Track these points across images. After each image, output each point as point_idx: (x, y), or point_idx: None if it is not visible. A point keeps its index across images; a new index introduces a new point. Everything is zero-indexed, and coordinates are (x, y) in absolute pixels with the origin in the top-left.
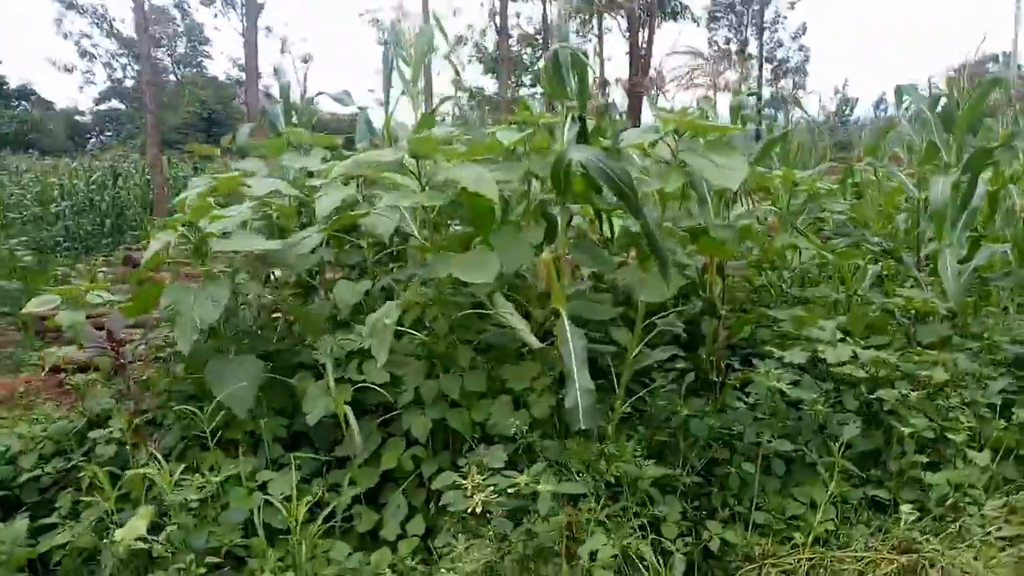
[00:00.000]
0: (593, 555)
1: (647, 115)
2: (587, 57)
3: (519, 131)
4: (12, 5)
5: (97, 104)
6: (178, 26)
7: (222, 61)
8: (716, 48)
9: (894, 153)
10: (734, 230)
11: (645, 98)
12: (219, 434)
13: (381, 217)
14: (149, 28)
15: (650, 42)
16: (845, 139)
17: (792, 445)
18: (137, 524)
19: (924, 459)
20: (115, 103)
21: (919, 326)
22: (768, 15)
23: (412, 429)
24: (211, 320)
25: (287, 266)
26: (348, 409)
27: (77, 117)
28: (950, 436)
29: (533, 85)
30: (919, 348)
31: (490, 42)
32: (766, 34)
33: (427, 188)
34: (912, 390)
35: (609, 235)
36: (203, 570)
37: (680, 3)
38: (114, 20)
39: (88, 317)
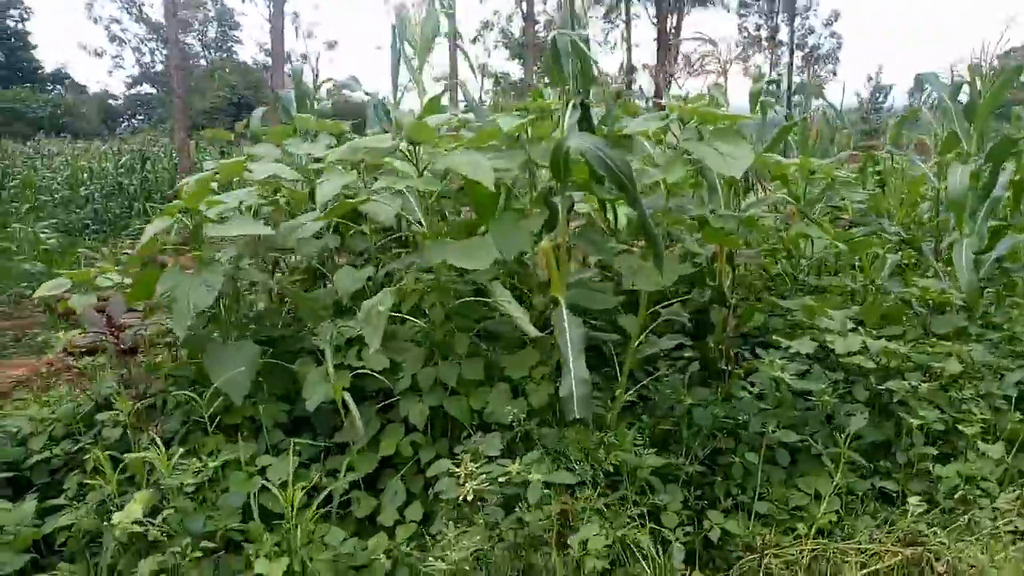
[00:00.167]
0: (584, 544)
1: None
2: (588, 44)
3: (521, 118)
4: None
5: (129, 88)
6: (209, 11)
7: (251, 46)
8: (746, 35)
9: (920, 141)
10: (736, 220)
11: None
12: (220, 419)
13: (381, 204)
14: (178, 13)
15: (678, 29)
16: (878, 127)
17: (798, 435)
18: (133, 508)
19: (934, 451)
20: (147, 87)
21: (934, 317)
22: (800, 1)
23: (409, 416)
24: (205, 305)
25: (287, 252)
26: (348, 395)
27: (110, 101)
28: (962, 428)
29: None
30: (934, 339)
31: (516, 28)
32: (797, 21)
33: (424, 174)
34: (924, 381)
35: (614, 224)
36: (199, 554)
37: None
38: (143, 5)
39: (103, 300)
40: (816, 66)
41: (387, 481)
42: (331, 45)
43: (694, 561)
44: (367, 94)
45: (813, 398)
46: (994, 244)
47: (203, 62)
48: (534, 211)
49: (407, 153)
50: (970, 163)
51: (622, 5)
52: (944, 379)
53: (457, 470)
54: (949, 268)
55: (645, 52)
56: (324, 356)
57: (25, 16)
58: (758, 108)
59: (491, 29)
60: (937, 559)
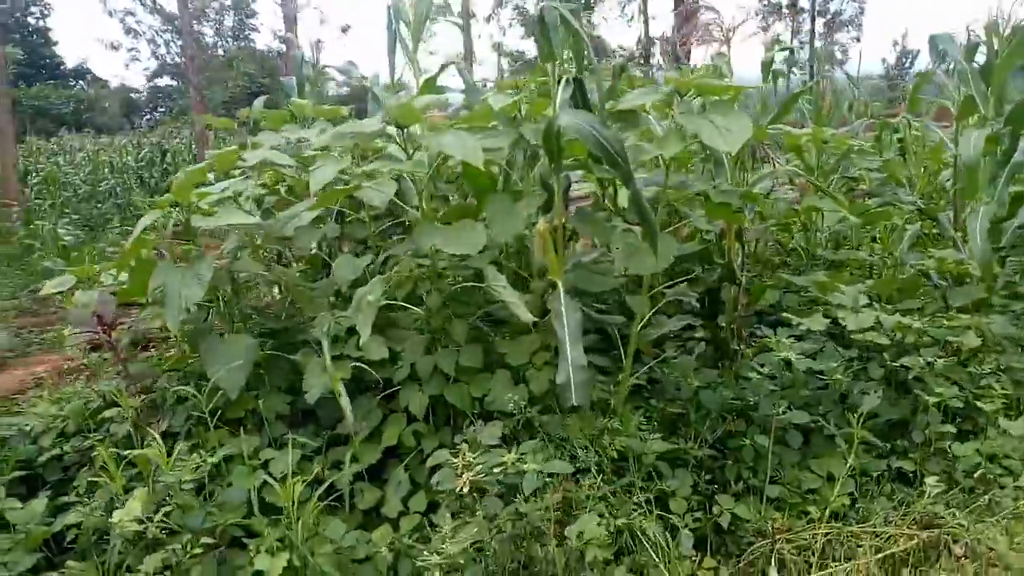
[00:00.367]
0: (581, 535)
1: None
2: (579, 16)
3: (514, 96)
4: None
5: (149, 81)
6: None
7: (268, 34)
8: (766, 3)
9: (942, 106)
10: (736, 195)
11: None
12: (223, 413)
13: (373, 190)
14: (192, 3)
15: None
16: (905, 93)
17: (810, 416)
18: (133, 506)
19: (953, 429)
20: (167, 80)
21: (952, 289)
22: None
23: (409, 405)
24: (196, 299)
25: (284, 241)
26: (342, 387)
27: (131, 95)
28: (981, 404)
29: None
30: (952, 312)
31: (531, 5)
32: None
33: (414, 157)
34: (941, 356)
35: (615, 203)
36: (199, 550)
37: None
38: None
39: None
40: (838, 32)
41: (391, 471)
42: (344, 30)
43: (705, 547)
44: (364, 78)
45: (826, 377)
46: (1016, 211)
47: (221, 52)
48: (530, 192)
49: (395, 136)
50: (987, 127)
51: None
52: (963, 354)
53: (455, 460)
54: (968, 238)
55: (664, 24)
56: (320, 347)
57: (45, 13)
58: (769, 77)
59: (505, 7)
60: (955, 542)
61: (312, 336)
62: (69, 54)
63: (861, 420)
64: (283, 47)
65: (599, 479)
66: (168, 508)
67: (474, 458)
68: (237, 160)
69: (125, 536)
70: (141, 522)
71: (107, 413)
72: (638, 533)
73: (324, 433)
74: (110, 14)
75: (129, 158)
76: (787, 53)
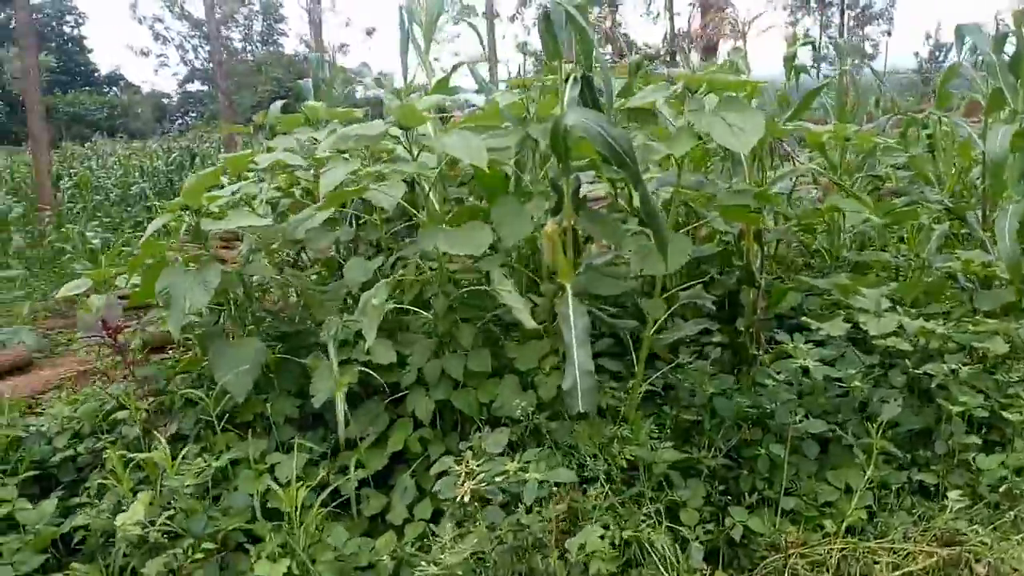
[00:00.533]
0: (583, 548)
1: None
2: (586, 12)
3: (520, 95)
4: None
5: (181, 86)
6: (253, 4)
7: (296, 38)
8: None
9: (973, 101)
10: (750, 196)
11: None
12: (234, 416)
13: (380, 192)
14: (218, 8)
15: None
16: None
17: (826, 425)
18: (137, 509)
19: (977, 440)
20: (198, 85)
21: (979, 292)
22: None
23: (416, 410)
24: (202, 304)
25: (299, 243)
26: (341, 396)
27: (163, 100)
28: (1008, 415)
29: (603, 45)
30: (978, 317)
31: None
32: None
33: (417, 158)
34: (966, 363)
35: (631, 204)
36: (200, 555)
37: None
38: (184, 2)
39: (123, 299)
40: (868, 26)
41: (398, 477)
42: (369, 33)
43: (716, 560)
44: (376, 80)
45: (845, 384)
46: None
47: (250, 57)
48: (536, 193)
49: (399, 138)
50: (1016, 122)
51: None
52: (989, 361)
53: (457, 468)
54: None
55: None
56: (326, 351)
57: (80, 21)
58: (791, 72)
59: (529, 6)
60: (977, 560)
61: (323, 339)
62: (103, 61)
63: (881, 430)
64: (313, 52)
65: (607, 488)
66: (171, 512)
67: (477, 466)
68: (249, 163)
69: (129, 539)
70: (144, 526)
71: (119, 415)
72: (646, 545)
73: (332, 437)
74: (139, 21)
75: (159, 162)
76: (810, 47)
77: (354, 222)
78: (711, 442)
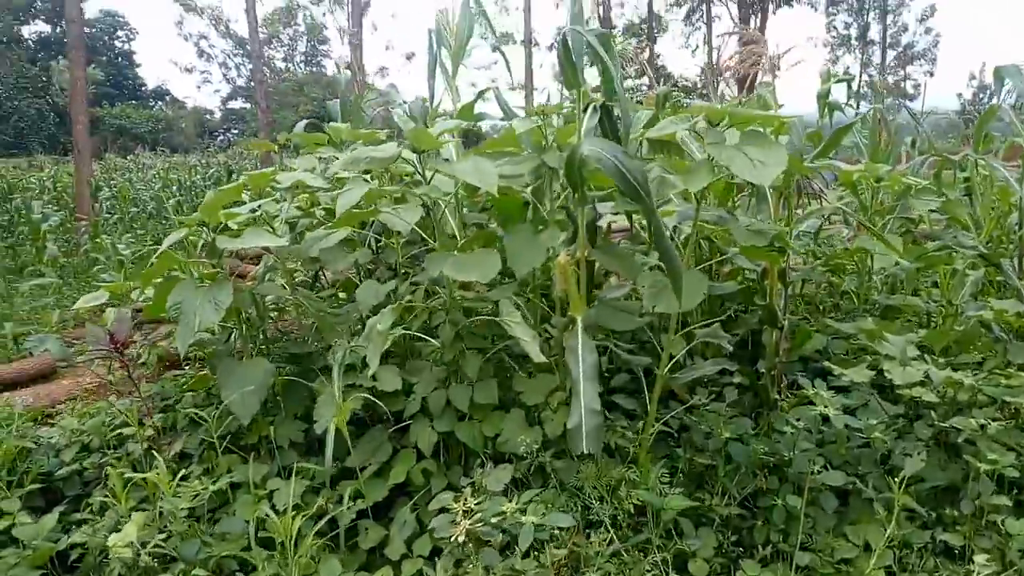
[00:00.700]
0: None
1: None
2: (608, 42)
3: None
4: (147, 10)
5: (224, 103)
6: (298, 25)
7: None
8: (835, 34)
9: (1014, 143)
10: (768, 236)
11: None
12: (240, 438)
13: (395, 215)
14: (261, 29)
15: (762, 29)
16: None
17: (845, 477)
18: (129, 530)
19: (1008, 501)
20: (241, 102)
21: (1014, 344)
22: None
23: (418, 442)
24: (211, 322)
25: (313, 263)
26: (332, 425)
27: (207, 116)
28: None
29: (638, 76)
30: (1011, 370)
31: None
32: (890, 17)
33: (431, 182)
34: (997, 419)
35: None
36: None
37: None
38: (229, 21)
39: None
40: (910, 65)
41: (399, 509)
42: (409, 57)
43: None
44: (404, 103)
45: (866, 435)
46: None
47: (293, 76)
48: (551, 223)
49: (411, 162)
50: None
51: (703, 7)
52: (1022, 417)
53: (455, 506)
54: None
55: (727, 54)
56: (329, 376)
57: (131, 36)
58: (824, 110)
59: None
60: None
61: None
62: (150, 75)
63: (904, 484)
64: (357, 72)
65: (613, 534)
66: (166, 535)
67: (476, 504)
68: (270, 182)
69: (123, 560)
70: (136, 548)
71: (126, 431)
72: None
73: (335, 463)
74: (185, 38)
75: (197, 177)
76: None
77: (374, 244)
78: (725, 489)
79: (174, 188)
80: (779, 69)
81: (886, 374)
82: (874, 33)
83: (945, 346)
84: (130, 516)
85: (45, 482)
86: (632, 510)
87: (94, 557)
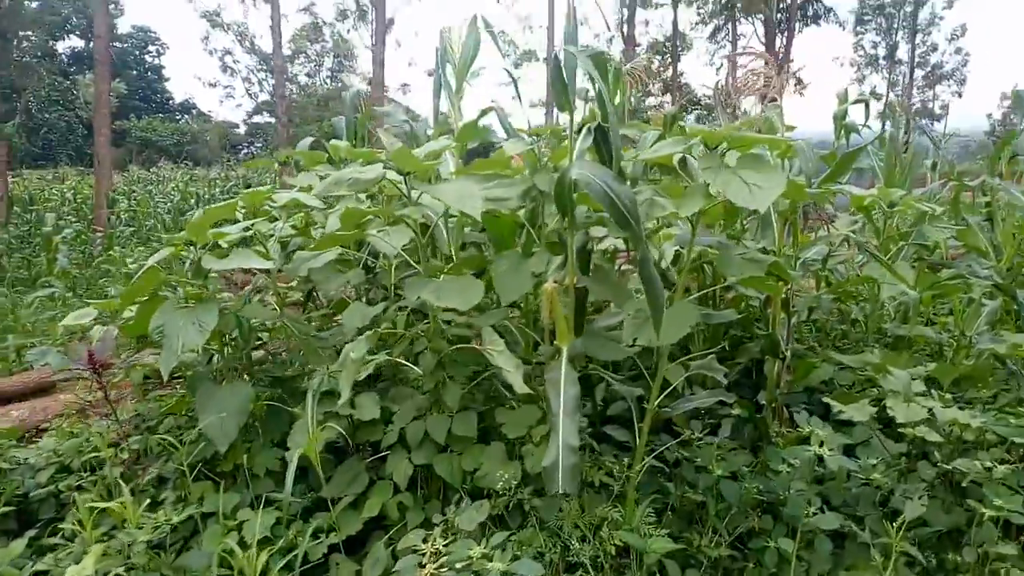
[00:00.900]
0: None
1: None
2: (605, 62)
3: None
4: (178, 25)
5: (250, 117)
6: (326, 42)
7: (359, 77)
8: (862, 53)
9: None
10: (760, 264)
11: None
12: (216, 464)
13: (378, 237)
14: (287, 44)
15: (788, 48)
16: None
17: (839, 521)
18: (87, 562)
19: (1013, 551)
20: (266, 117)
21: None
22: (922, 16)
23: (394, 474)
24: (195, 345)
25: (305, 283)
26: (297, 454)
27: (232, 129)
28: None
29: (663, 94)
30: (1021, 409)
31: (616, 51)
32: (918, 37)
33: (418, 203)
34: (1006, 459)
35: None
36: None
37: (824, 6)
38: (254, 37)
39: None
40: (938, 85)
41: (373, 544)
42: (430, 73)
43: None
44: (408, 121)
45: (864, 476)
46: None
47: (319, 92)
48: (541, 248)
49: (396, 184)
50: None
51: (729, 25)
52: None
53: (423, 547)
54: None
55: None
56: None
57: (161, 51)
58: (841, 131)
59: None
60: None
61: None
62: (177, 89)
63: (903, 529)
64: (386, 90)
65: None
66: (124, 568)
67: (444, 546)
68: (266, 200)
69: None
70: None
71: (104, 453)
72: None
73: (311, 494)
74: (210, 53)
75: (217, 190)
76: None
77: (369, 264)
78: (716, 528)
79: (192, 201)
80: (802, 88)
81: (888, 411)
82: (902, 52)
83: (958, 379)
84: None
85: (21, 504)
86: (614, 551)
87: None
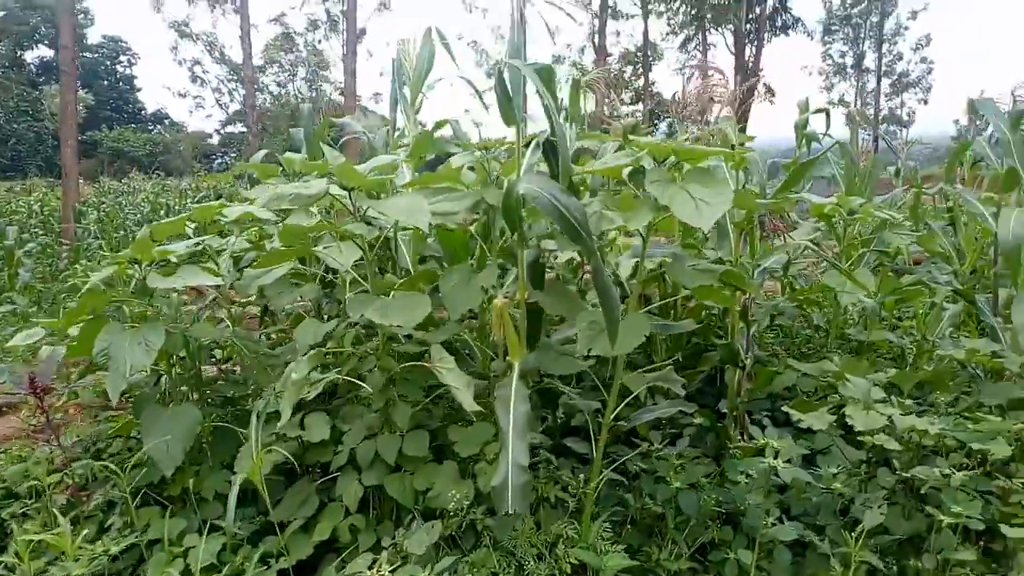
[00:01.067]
0: None
1: (753, 131)
2: (551, 74)
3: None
4: (150, 35)
5: (223, 127)
6: (300, 51)
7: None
8: (830, 62)
9: (998, 173)
10: (711, 274)
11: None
12: (164, 488)
13: (326, 254)
14: (259, 55)
15: (758, 57)
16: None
17: (798, 531)
18: None
19: (971, 556)
20: (240, 127)
21: (986, 385)
22: (888, 26)
23: (344, 496)
24: (143, 366)
25: (260, 299)
26: (238, 478)
27: (205, 140)
28: (1005, 529)
29: (634, 103)
30: (979, 413)
31: (588, 60)
32: (885, 46)
33: (364, 219)
34: (964, 465)
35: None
36: None
37: (792, 16)
38: (224, 47)
39: None
40: (906, 92)
41: (325, 568)
42: (430, 85)
43: None
44: (365, 132)
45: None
46: None
47: (293, 101)
48: (491, 263)
49: (340, 199)
50: None
51: (699, 35)
52: (990, 465)
53: (367, 573)
54: (1010, 325)
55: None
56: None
57: (133, 61)
58: (802, 140)
59: (563, 63)
60: None
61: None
62: (150, 99)
63: (863, 537)
64: (360, 100)
65: None
66: None
67: (391, 572)
68: (216, 214)
69: None
70: None
71: (52, 479)
72: None
73: (260, 517)
74: (180, 63)
75: (188, 201)
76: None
77: (324, 280)
78: (676, 541)
79: (163, 212)
80: (772, 97)
81: (848, 419)
82: (869, 61)
83: (919, 383)
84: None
85: None
86: (570, 569)
87: None
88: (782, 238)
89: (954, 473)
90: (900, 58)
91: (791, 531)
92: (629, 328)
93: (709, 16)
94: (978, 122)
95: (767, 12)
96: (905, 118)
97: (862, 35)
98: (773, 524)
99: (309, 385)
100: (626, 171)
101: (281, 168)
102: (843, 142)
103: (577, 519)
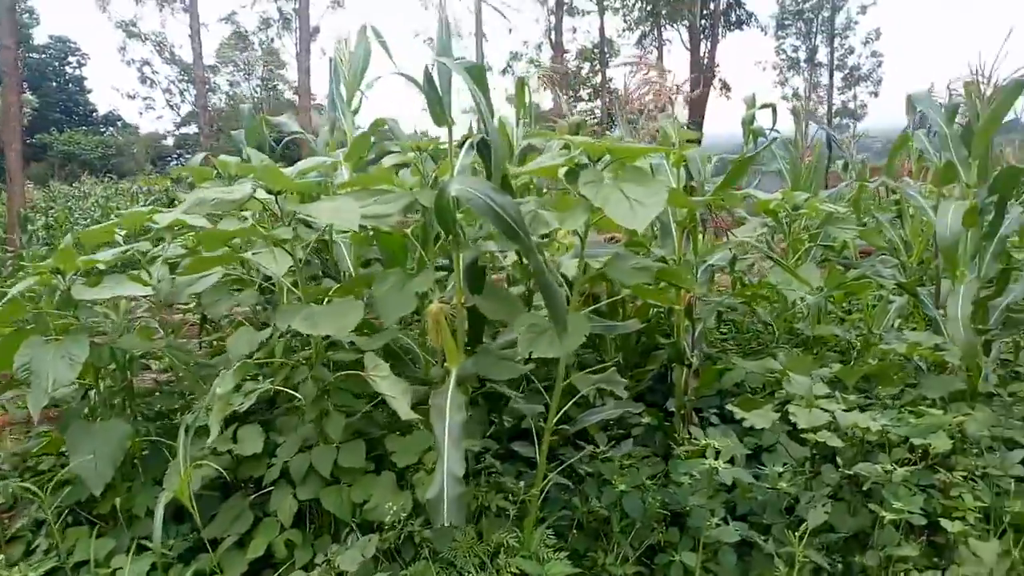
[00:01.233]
0: None
1: (710, 126)
2: (483, 74)
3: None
4: (100, 36)
5: (177, 128)
6: (255, 50)
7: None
8: (784, 57)
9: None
10: (648, 271)
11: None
12: (94, 506)
13: (258, 260)
14: (212, 54)
15: (712, 53)
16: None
17: (745, 531)
18: None
19: (914, 552)
20: (195, 128)
21: (928, 377)
22: (839, 20)
23: (278, 511)
24: (67, 381)
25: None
26: (164, 496)
27: (164, 142)
28: (945, 523)
29: (591, 99)
30: (922, 407)
31: (545, 58)
32: (836, 40)
33: (291, 224)
34: (907, 459)
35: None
36: None
37: (746, 12)
38: (174, 47)
39: None
40: (857, 86)
41: None
42: (369, 84)
43: None
44: (299, 132)
45: (768, 484)
46: (1004, 288)
47: (250, 101)
48: (426, 267)
49: (266, 203)
50: (969, 197)
51: (655, 31)
52: (931, 458)
53: None
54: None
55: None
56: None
57: (82, 62)
58: (749, 136)
59: (520, 59)
60: None
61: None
62: (101, 101)
63: (807, 536)
64: (316, 99)
65: None
66: None
67: None
68: (147, 221)
69: None
70: None
71: None
72: None
73: (193, 534)
74: (128, 63)
75: (140, 204)
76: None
77: (263, 286)
78: (621, 544)
79: (113, 216)
80: (728, 93)
81: (791, 417)
82: (822, 56)
83: (865, 376)
84: None
85: None
86: None
87: None
88: (726, 236)
89: (896, 469)
90: (851, 52)
91: (734, 532)
92: (570, 329)
93: (664, 12)
94: (928, 116)
95: (721, 7)
96: (857, 111)
97: (814, 30)
98: (718, 525)
99: (243, 396)
100: (562, 171)
101: (216, 171)
102: (786, 138)
103: (520, 527)
